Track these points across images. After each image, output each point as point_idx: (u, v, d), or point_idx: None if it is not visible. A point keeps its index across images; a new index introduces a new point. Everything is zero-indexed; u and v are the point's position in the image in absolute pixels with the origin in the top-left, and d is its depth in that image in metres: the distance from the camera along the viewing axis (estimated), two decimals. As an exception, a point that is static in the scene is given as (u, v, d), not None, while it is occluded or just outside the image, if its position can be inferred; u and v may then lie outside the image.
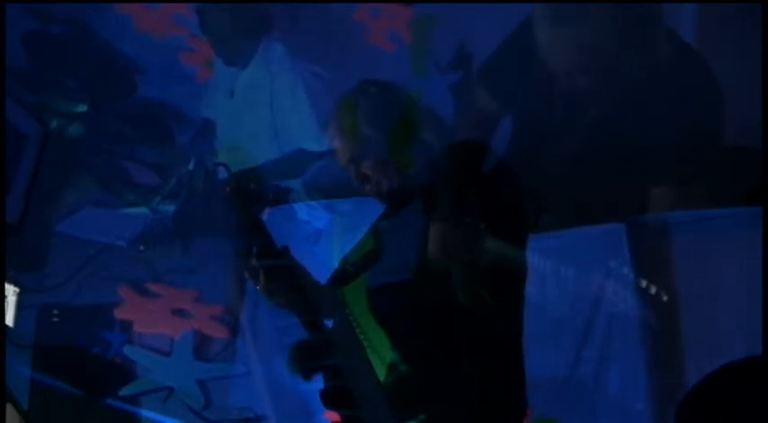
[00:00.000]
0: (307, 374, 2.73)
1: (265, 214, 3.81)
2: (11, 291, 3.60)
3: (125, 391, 3.73)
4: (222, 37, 4.36)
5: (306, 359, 2.73)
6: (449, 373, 2.77)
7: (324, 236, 3.96)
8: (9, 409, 3.18)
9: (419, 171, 2.80)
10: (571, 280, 3.61)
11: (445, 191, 2.67)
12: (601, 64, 3.75)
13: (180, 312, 4.00)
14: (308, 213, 4.09)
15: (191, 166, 4.25)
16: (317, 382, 2.71)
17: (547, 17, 3.75)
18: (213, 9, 4.33)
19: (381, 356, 2.81)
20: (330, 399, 2.66)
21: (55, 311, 3.90)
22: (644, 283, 3.57)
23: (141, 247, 4.19)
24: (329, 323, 2.86)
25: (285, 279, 2.72)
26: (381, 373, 2.81)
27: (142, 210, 4.36)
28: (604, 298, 3.60)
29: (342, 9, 4.57)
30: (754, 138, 3.60)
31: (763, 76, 3.58)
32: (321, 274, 2.94)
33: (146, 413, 3.73)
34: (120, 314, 3.94)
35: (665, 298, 3.56)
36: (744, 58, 3.77)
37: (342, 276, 2.95)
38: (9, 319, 3.73)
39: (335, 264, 3.03)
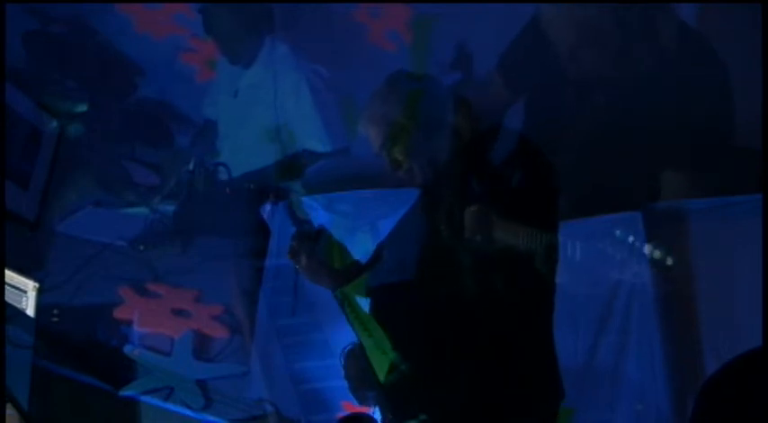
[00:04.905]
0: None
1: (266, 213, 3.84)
2: (30, 286, 3.59)
3: (125, 392, 3.73)
4: (226, 35, 4.37)
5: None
6: (450, 373, 2.78)
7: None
8: (9, 408, 3.17)
9: (449, 156, 2.83)
10: (588, 268, 3.61)
11: (473, 174, 2.73)
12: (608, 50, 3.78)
13: (180, 312, 3.99)
14: (308, 213, 4.09)
15: (191, 166, 4.26)
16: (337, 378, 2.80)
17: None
18: (216, 7, 4.34)
19: (387, 354, 2.83)
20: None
21: (55, 311, 3.90)
22: (660, 271, 3.57)
23: (141, 247, 4.19)
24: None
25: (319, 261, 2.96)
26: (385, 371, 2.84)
27: (142, 210, 4.36)
28: (622, 286, 3.60)
29: (342, 9, 4.57)
30: (754, 138, 3.60)
31: (764, 76, 3.58)
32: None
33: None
34: (120, 314, 3.94)
35: (681, 285, 3.56)
36: (744, 58, 3.78)
37: (342, 274, 2.97)
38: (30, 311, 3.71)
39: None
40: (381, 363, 2.86)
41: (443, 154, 2.81)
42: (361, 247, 3.47)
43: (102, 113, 4.48)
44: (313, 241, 2.96)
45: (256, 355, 3.84)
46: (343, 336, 3.12)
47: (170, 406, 3.72)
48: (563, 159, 3.17)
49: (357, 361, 3.08)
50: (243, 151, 4.34)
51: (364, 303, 2.97)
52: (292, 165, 4.19)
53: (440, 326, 2.78)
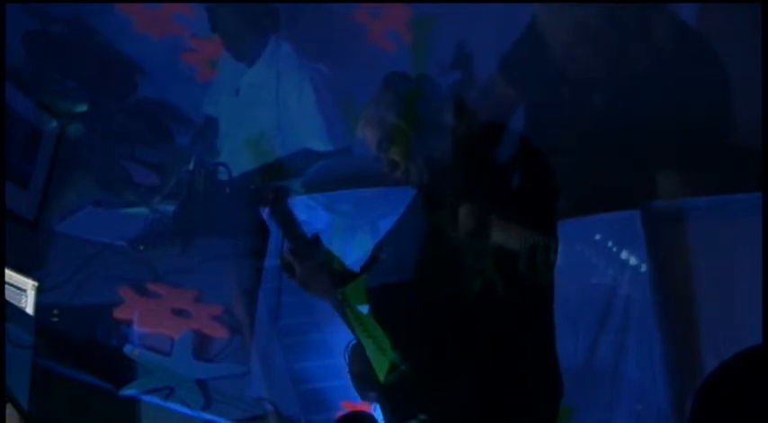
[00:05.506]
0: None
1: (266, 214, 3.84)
2: (29, 285, 3.59)
3: (125, 391, 3.73)
4: (232, 32, 4.38)
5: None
6: (450, 373, 2.78)
7: (324, 236, 3.97)
8: (9, 408, 3.17)
9: (446, 156, 2.83)
10: (587, 267, 3.62)
11: (471, 175, 2.72)
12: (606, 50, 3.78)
13: (180, 312, 3.99)
14: (308, 213, 4.09)
15: (191, 166, 4.26)
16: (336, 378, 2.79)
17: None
18: (222, 5, 4.35)
19: (387, 355, 2.83)
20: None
21: (55, 311, 3.90)
22: (659, 270, 3.57)
23: (141, 247, 4.19)
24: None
25: (318, 265, 2.92)
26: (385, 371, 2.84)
27: (142, 210, 4.37)
28: (620, 285, 3.60)
29: (342, 9, 4.58)
30: (754, 137, 3.60)
31: (764, 76, 3.58)
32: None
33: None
34: (120, 314, 3.94)
35: (680, 284, 3.56)
36: (744, 58, 3.78)
37: (342, 276, 2.97)
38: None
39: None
40: (381, 363, 2.86)
41: (440, 154, 2.81)
42: (360, 247, 3.48)
43: (102, 113, 4.48)
44: (313, 246, 2.96)
45: (256, 355, 3.84)
46: (343, 336, 3.12)
47: (170, 406, 3.72)
48: (562, 159, 3.18)
49: (361, 358, 3.08)
50: (243, 151, 4.34)
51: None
52: (284, 165, 4.20)
53: (440, 326, 2.79)
